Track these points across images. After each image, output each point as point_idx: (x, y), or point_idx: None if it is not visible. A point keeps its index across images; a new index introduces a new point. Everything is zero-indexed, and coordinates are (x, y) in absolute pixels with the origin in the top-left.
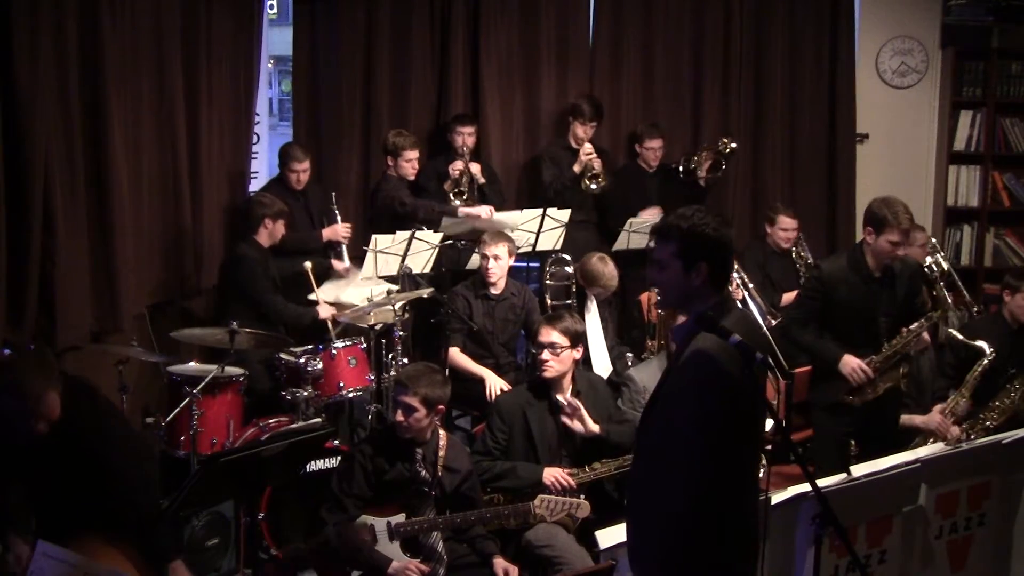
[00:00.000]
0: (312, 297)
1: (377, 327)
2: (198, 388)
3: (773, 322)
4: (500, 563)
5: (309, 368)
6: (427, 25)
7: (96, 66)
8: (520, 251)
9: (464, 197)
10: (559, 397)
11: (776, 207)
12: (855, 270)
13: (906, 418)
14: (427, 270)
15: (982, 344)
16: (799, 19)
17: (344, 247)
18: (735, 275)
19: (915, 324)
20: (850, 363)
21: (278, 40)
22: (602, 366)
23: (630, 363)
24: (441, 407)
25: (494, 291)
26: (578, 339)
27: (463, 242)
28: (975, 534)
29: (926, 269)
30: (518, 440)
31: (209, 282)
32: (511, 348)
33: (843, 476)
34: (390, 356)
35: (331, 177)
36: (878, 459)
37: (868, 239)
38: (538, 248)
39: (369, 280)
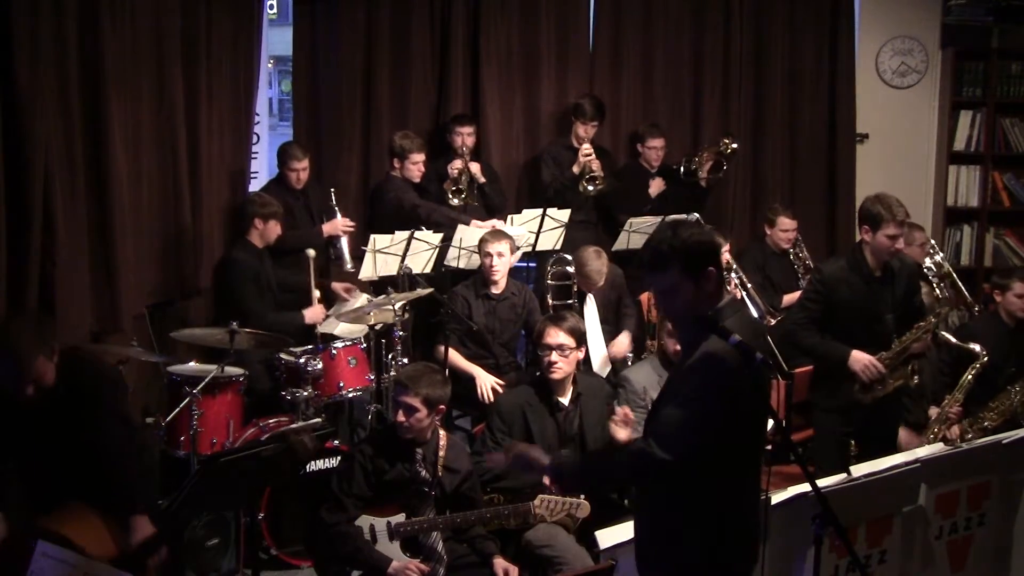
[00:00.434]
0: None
1: (377, 327)
2: (198, 388)
3: (772, 322)
4: (500, 563)
5: (309, 368)
6: (427, 25)
7: (96, 66)
8: (520, 250)
9: (463, 196)
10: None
11: (775, 208)
12: (855, 270)
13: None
14: (427, 270)
15: (974, 347)
16: (799, 19)
17: (345, 242)
18: (734, 275)
19: (924, 321)
20: (861, 359)
21: (278, 40)
22: (599, 364)
23: (629, 363)
24: (442, 407)
25: (495, 290)
26: (582, 339)
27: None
28: (975, 534)
29: (925, 269)
30: (518, 440)
31: (209, 282)
32: (511, 348)
33: (843, 476)
34: (390, 356)
35: (331, 177)
36: (878, 459)
37: (866, 237)
38: (538, 248)
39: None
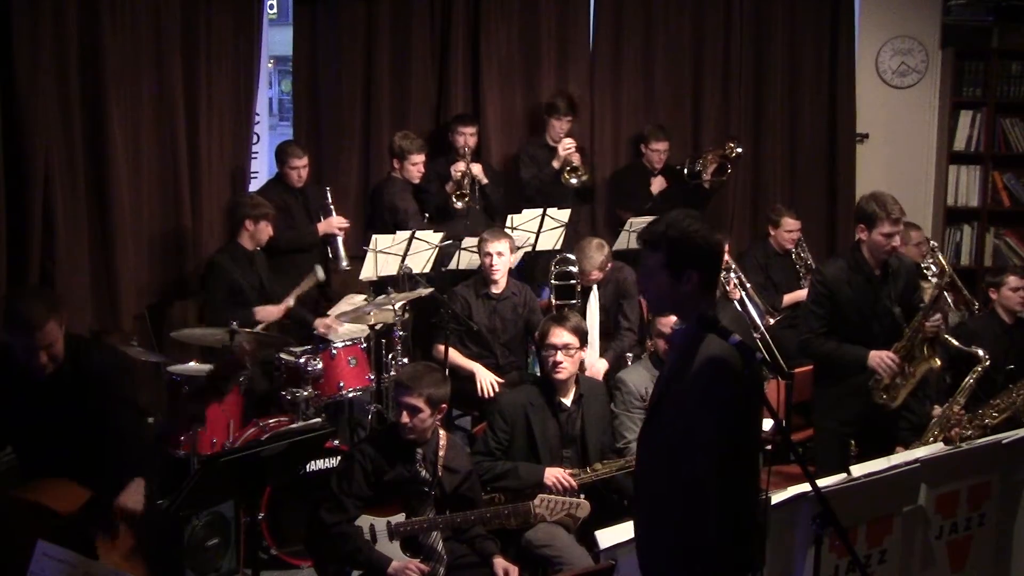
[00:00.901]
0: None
1: (377, 327)
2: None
3: (772, 322)
4: (500, 563)
5: (309, 368)
6: (427, 25)
7: (96, 66)
8: (520, 250)
9: (467, 200)
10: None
11: (779, 209)
12: (856, 270)
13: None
14: (427, 270)
15: (978, 351)
16: (799, 19)
17: (340, 241)
18: (733, 275)
19: (925, 303)
20: (876, 355)
21: (278, 40)
22: (594, 358)
23: (629, 362)
24: (444, 405)
25: (495, 290)
26: (585, 339)
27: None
28: (975, 534)
29: (924, 269)
30: (519, 440)
31: None
32: (512, 348)
33: (843, 476)
34: (390, 356)
35: (331, 177)
36: (878, 459)
37: (862, 236)
38: (538, 248)
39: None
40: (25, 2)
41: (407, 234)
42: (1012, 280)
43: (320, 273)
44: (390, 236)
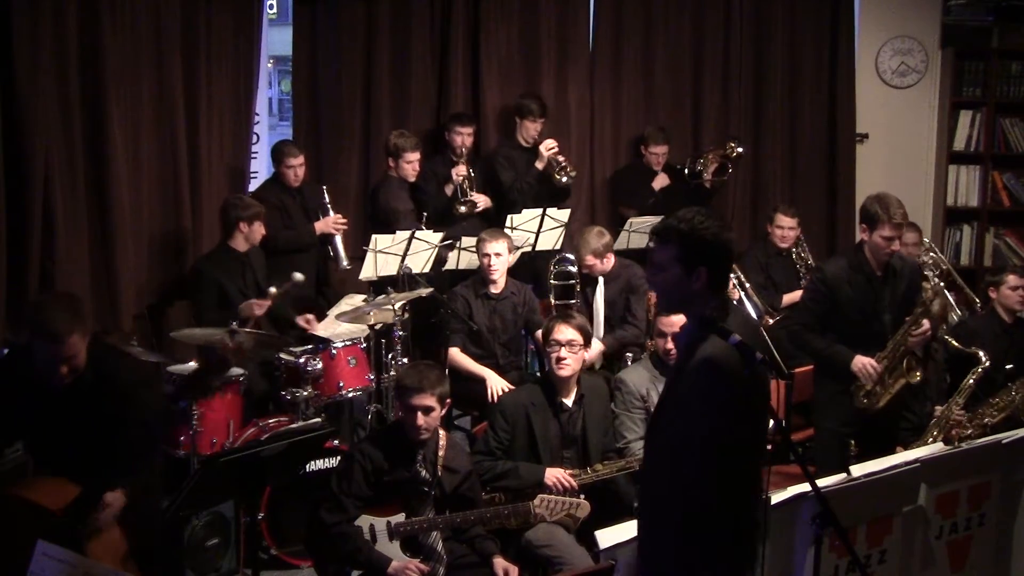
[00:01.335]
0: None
1: (377, 327)
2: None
3: (771, 322)
4: (500, 563)
5: (309, 368)
6: (427, 25)
7: (96, 66)
8: (519, 250)
9: (469, 205)
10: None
11: (775, 206)
12: (857, 270)
13: None
14: (427, 270)
15: (978, 352)
16: (799, 19)
17: (339, 240)
18: (731, 275)
19: (911, 315)
20: (859, 361)
21: (278, 40)
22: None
23: (629, 363)
24: (448, 401)
25: (494, 290)
26: (589, 338)
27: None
28: (975, 534)
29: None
30: (520, 440)
31: None
32: (512, 348)
33: (843, 476)
34: (390, 356)
35: (331, 177)
36: (878, 459)
37: (864, 236)
38: (538, 248)
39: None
40: (25, 2)
41: (407, 234)
42: (1011, 279)
43: (297, 276)
44: (390, 236)
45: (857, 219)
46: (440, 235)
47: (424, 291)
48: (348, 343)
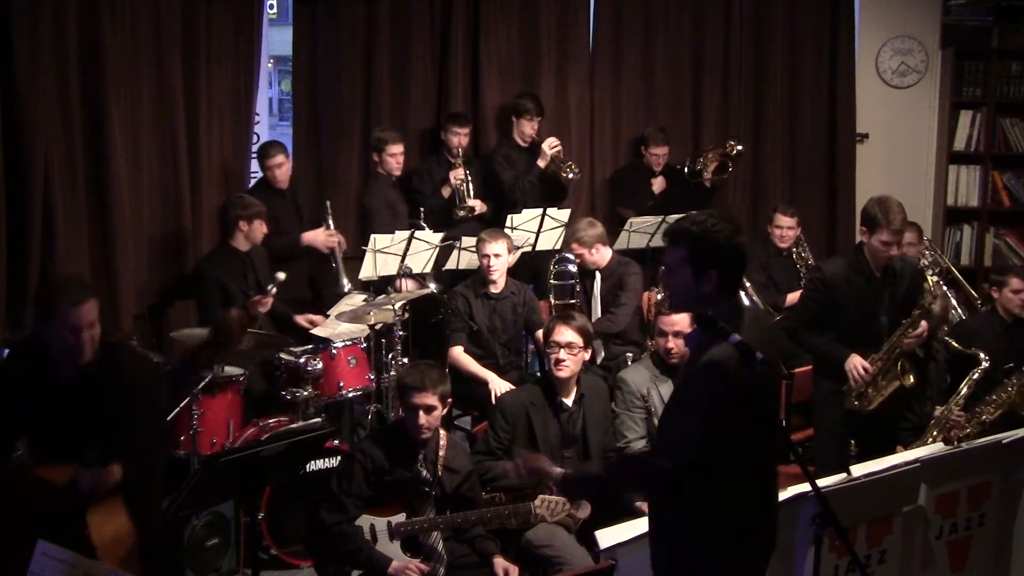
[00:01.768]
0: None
1: (377, 327)
2: (198, 388)
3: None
4: (500, 563)
5: (309, 368)
6: (427, 25)
7: (96, 66)
8: (519, 250)
9: (468, 209)
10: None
11: (775, 206)
12: (856, 270)
13: None
14: (427, 270)
15: (979, 352)
16: (799, 19)
17: (339, 259)
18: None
19: (908, 318)
20: (852, 361)
21: (278, 40)
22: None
23: (629, 362)
24: (450, 400)
25: (494, 289)
26: (590, 340)
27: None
28: (975, 534)
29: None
30: (520, 440)
31: None
32: (512, 348)
33: (843, 476)
34: (390, 356)
35: (331, 177)
36: (878, 459)
37: (863, 238)
38: (538, 248)
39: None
40: (25, 2)
41: (406, 234)
42: (1015, 282)
43: (279, 276)
44: (389, 236)
45: (857, 219)
46: (440, 235)
47: (425, 291)
48: (348, 343)
